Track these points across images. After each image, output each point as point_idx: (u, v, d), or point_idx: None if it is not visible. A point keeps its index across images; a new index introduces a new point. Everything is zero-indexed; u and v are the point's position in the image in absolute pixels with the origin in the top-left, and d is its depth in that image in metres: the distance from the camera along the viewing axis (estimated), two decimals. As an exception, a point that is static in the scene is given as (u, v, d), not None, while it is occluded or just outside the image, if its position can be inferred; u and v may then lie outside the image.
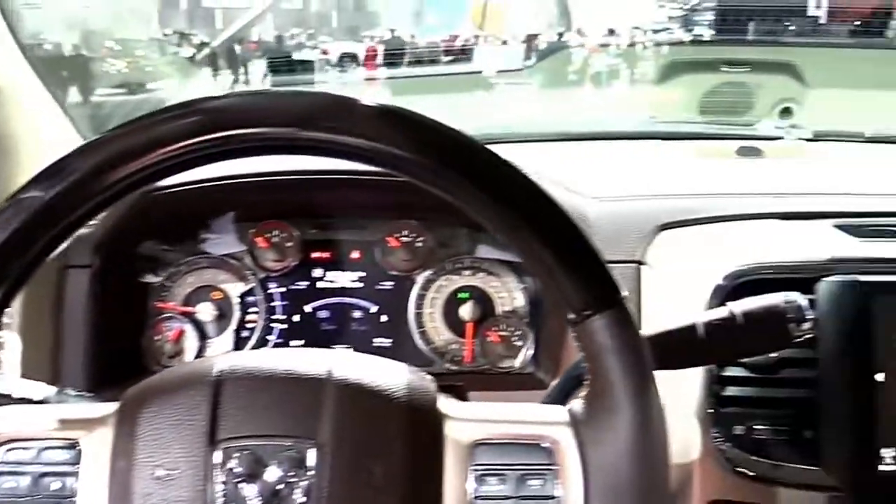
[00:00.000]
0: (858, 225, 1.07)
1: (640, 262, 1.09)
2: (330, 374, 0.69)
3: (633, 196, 1.13)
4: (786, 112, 1.66)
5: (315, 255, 1.29)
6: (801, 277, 0.99)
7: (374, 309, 1.28)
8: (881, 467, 0.96)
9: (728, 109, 1.79)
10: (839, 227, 1.06)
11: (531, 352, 1.23)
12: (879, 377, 0.96)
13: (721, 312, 0.85)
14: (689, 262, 1.04)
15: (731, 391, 0.99)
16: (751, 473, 0.98)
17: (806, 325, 0.84)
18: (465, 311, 1.24)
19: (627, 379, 0.68)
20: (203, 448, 0.64)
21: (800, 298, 0.85)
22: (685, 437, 1.00)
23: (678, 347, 0.85)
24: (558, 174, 1.17)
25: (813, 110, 1.70)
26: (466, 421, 0.72)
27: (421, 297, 1.27)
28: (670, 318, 0.88)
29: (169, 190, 1.16)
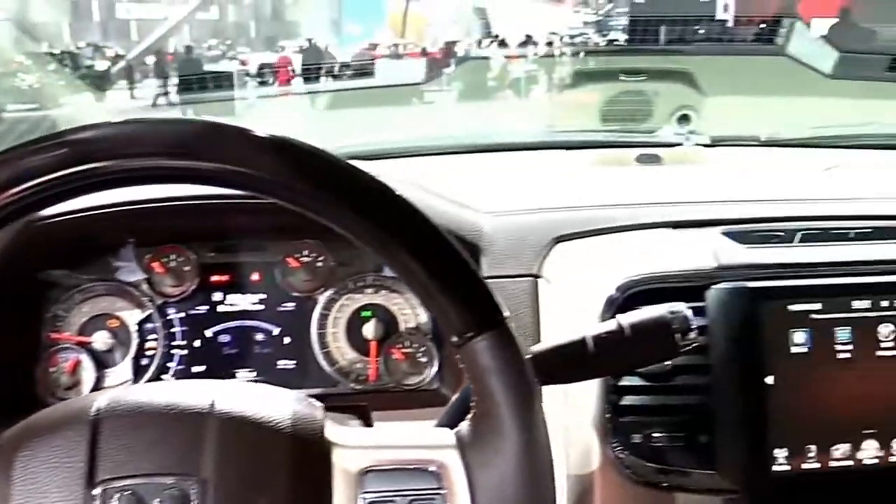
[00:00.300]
0: (745, 231, 1.10)
1: (536, 276, 1.10)
2: (212, 406, 0.68)
3: (528, 210, 1.14)
4: (684, 119, 1.69)
5: (214, 278, 1.26)
6: (691, 286, 1.01)
7: (276, 331, 1.26)
8: (774, 468, 0.99)
9: (628, 117, 1.83)
10: (727, 234, 1.09)
11: (436, 368, 1.23)
12: (769, 380, 0.98)
13: (609, 325, 0.86)
14: (584, 274, 1.05)
15: (627, 400, 1.00)
16: (649, 481, 0.99)
17: (692, 335, 0.86)
18: (369, 329, 1.23)
19: (511, 400, 0.68)
20: (81, 490, 0.62)
21: (684, 309, 0.86)
22: (584, 447, 1.01)
23: (568, 362, 0.86)
24: (453, 189, 1.17)
25: (711, 116, 1.74)
26: (354, 448, 0.71)
27: (323, 318, 1.25)
28: (562, 332, 0.89)
29: (61, 217, 1.13)
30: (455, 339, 0.69)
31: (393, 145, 1.61)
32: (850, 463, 1.00)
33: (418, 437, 0.74)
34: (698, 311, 1.00)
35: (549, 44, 10.84)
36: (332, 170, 0.65)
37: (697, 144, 1.65)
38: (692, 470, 1.00)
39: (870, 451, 1.01)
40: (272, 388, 0.75)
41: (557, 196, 1.18)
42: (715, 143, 1.67)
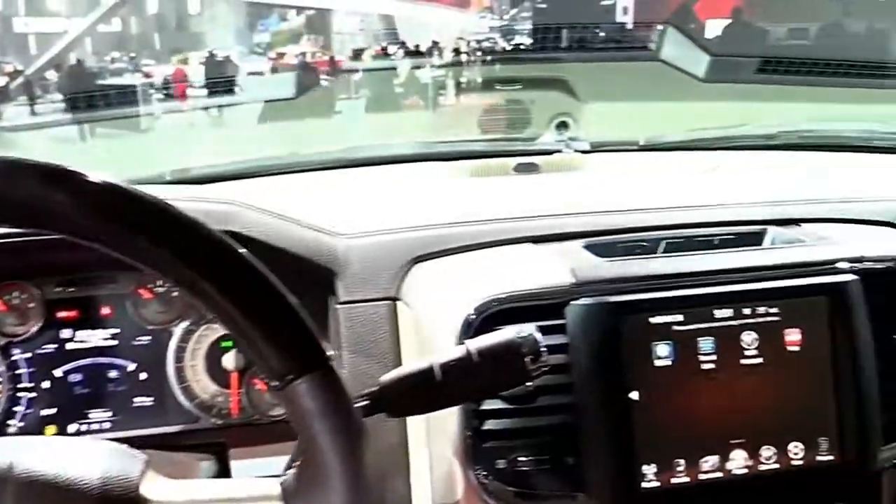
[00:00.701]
0: (608, 244, 1.08)
1: (395, 299, 1.05)
2: (11, 467, 0.62)
3: (385, 230, 1.09)
4: (562, 126, 1.68)
5: (61, 314, 1.18)
6: (550, 303, 0.98)
7: (131, 367, 1.19)
8: (644, 484, 0.96)
9: (507, 126, 1.80)
10: (589, 246, 1.06)
11: None
12: (634, 395, 0.96)
13: (457, 352, 0.83)
14: (443, 295, 1.01)
15: (490, 424, 0.96)
16: (516, 510, 0.96)
17: (543, 358, 0.82)
18: (228, 360, 1.17)
19: (336, 446, 0.64)
20: None
21: (534, 331, 0.83)
22: (448, 474, 0.97)
23: (415, 392, 0.82)
24: (310, 210, 1.12)
25: (590, 123, 1.72)
26: None
27: (181, 350, 1.19)
28: (413, 360, 0.85)
29: None
30: (274, 382, 0.64)
31: (261, 163, 1.55)
32: (720, 474, 0.99)
33: (242, 489, 0.68)
34: (559, 329, 0.98)
35: (456, 50, 10.84)
36: (147, 208, 0.60)
37: (577, 151, 1.63)
38: (559, 493, 0.97)
39: (738, 462, 0.99)
40: (84, 443, 0.69)
41: (419, 213, 1.13)
42: (594, 148, 1.65)
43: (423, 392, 0.83)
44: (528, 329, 0.83)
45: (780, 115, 2.01)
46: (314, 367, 0.64)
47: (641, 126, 1.79)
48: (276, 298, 0.64)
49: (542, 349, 0.82)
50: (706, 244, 1.10)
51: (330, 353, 0.65)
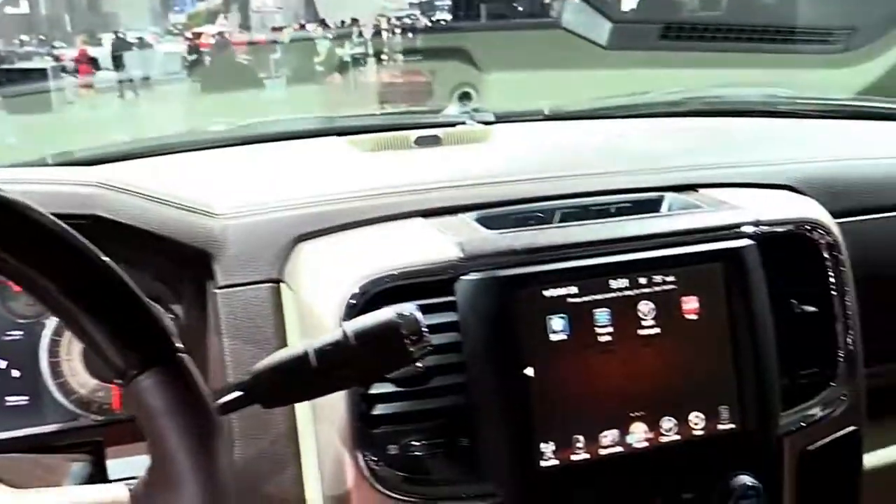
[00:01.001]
0: (501, 215, 1.04)
1: (277, 281, 0.99)
2: None
3: (266, 208, 1.02)
4: (465, 97, 1.63)
5: None
6: (439, 279, 0.93)
7: (2, 364, 1.10)
8: (542, 463, 0.93)
9: (407, 98, 1.75)
10: (480, 219, 1.02)
11: None
12: (529, 372, 0.92)
13: (333, 336, 0.78)
14: (327, 275, 0.95)
15: (379, 409, 0.92)
16: (409, 495, 0.91)
17: (425, 339, 0.78)
18: (107, 352, 1.10)
19: (186, 444, 0.58)
20: None
21: (414, 310, 0.78)
22: (337, 463, 0.92)
23: (290, 380, 0.77)
24: (189, 190, 1.05)
25: (494, 93, 1.68)
26: None
27: (55, 344, 1.10)
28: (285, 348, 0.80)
29: None
30: (118, 379, 0.58)
31: (152, 143, 1.46)
32: (620, 449, 0.96)
33: (89, 496, 0.63)
34: (449, 307, 0.94)
35: (377, 26, 10.73)
36: None
37: (480, 122, 1.58)
38: (455, 477, 0.93)
39: (639, 435, 0.97)
40: None
41: (305, 190, 1.07)
42: (499, 119, 1.61)
43: (298, 380, 0.77)
44: (409, 308, 0.78)
45: (686, 81, 1.99)
46: (159, 360, 0.58)
47: (547, 96, 1.75)
48: (113, 287, 0.58)
49: (424, 329, 0.78)
50: (603, 213, 1.07)
51: (178, 344, 0.60)
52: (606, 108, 1.69)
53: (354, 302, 0.90)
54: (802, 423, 1.05)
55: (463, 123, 1.57)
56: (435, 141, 1.46)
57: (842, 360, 1.07)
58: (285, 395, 0.78)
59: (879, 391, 1.20)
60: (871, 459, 1.28)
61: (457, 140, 1.47)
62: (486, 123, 1.59)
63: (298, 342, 0.79)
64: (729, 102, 1.76)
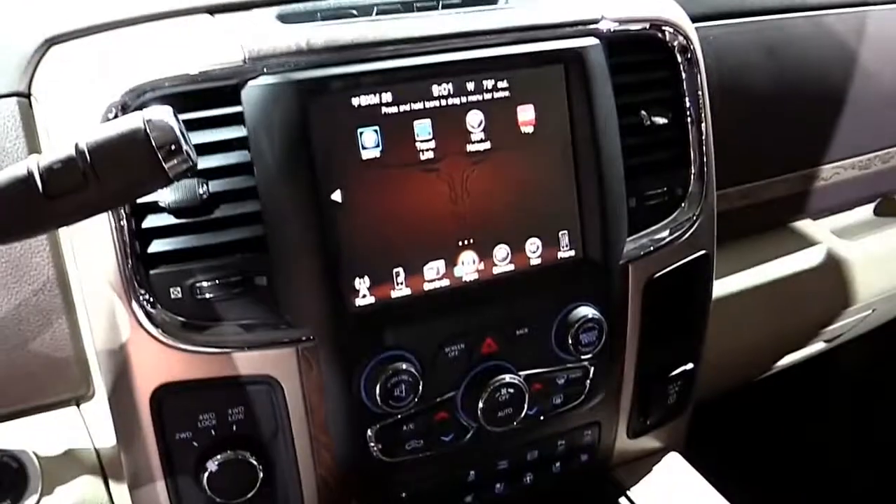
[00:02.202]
0: (306, 11, 0.86)
1: (25, 95, 0.80)
2: None
3: (6, 4, 0.82)
4: None
5: None
6: (221, 86, 0.76)
7: None
8: (357, 301, 0.81)
9: None
10: (281, 17, 0.84)
11: None
12: (336, 196, 0.78)
13: (65, 150, 0.60)
14: (83, 85, 0.76)
15: (157, 246, 0.76)
16: (198, 343, 0.78)
17: (184, 151, 0.62)
18: None
19: None
20: None
21: (168, 115, 0.62)
22: (109, 311, 0.77)
23: (13, 209, 0.60)
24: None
25: None
26: None
27: None
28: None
29: None
30: None
31: None
32: (447, 282, 0.84)
33: None
34: (236, 119, 0.77)
35: None
36: None
37: None
38: (254, 322, 0.79)
39: (468, 266, 0.85)
40: None
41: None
42: None
43: (22, 208, 0.61)
44: (161, 112, 0.62)
45: None
46: None
47: None
48: None
49: (182, 137, 0.61)
50: (429, 8, 0.90)
51: None
52: None
53: (114, 117, 0.72)
54: (650, 249, 0.95)
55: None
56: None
57: (694, 177, 0.97)
58: (8, 229, 0.62)
59: (730, 214, 1.13)
60: (722, 287, 1.23)
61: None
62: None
63: (22, 161, 0.61)
64: None
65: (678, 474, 1.10)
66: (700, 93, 0.96)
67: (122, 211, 0.74)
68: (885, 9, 1.33)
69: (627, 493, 1.06)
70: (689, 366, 1.05)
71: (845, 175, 1.33)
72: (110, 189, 0.61)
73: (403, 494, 0.94)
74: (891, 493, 1.87)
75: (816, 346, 1.57)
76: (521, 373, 0.89)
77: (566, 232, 0.88)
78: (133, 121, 0.61)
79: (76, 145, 0.60)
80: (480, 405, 0.87)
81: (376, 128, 0.79)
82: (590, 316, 0.89)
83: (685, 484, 1.08)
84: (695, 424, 1.15)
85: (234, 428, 0.82)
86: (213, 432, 0.81)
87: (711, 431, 1.40)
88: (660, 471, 1.09)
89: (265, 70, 0.76)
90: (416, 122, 0.80)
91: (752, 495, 1.09)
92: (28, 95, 0.80)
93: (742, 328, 1.33)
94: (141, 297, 0.75)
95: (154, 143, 0.60)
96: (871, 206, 1.53)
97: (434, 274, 0.83)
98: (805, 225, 1.41)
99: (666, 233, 0.96)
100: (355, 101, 0.78)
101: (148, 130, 0.60)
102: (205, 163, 0.76)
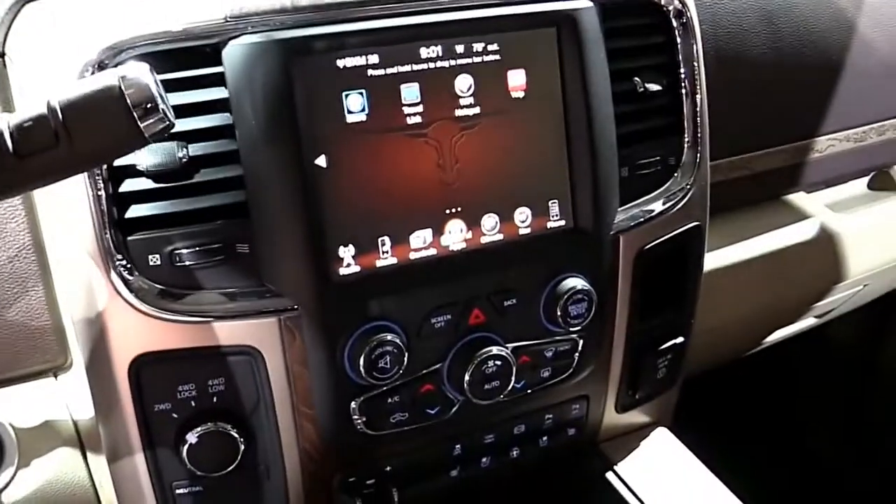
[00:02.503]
0: None
1: (0, 55, 0.78)
2: None
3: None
4: None
5: None
6: (201, 45, 0.74)
7: None
8: (341, 270, 0.78)
9: None
10: None
11: None
12: (320, 161, 0.76)
13: (36, 109, 0.58)
14: (57, 44, 0.73)
15: (135, 211, 0.74)
16: (176, 315, 0.75)
17: (161, 110, 0.59)
18: None
19: None
20: None
21: (144, 72, 0.59)
22: (85, 280, 0.74)
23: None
24: None
25: None
26: None
27: None
28: None
29: None
30: None
31: None
32: (433, 251, 0.82)
33: None
34: (217, 80, 0.75)
35: None
36: None
37: None
38: (232, 289, 0.77)
39: (455, 235, 0.83)
40: None
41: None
42: None
43: (-7, 169, 0.58)
44: (136, 69, 0.59)
45: None
46: None
47: None
48: None
49: (158, 94, 0.59)
50: None
51: None
52: None
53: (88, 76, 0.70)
54: (641, 219, 0.93)
55: None
56: None
57: (687, 146, 0.95)
58: None
59: (721, 186, 1.11)
60: (712, 260, 1.21)
61: None
62: None
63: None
64: None
65: (666, 449, 1.09)
66: (695, 59, 0.93)
67: (99, 174, 0.71)
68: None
69: (615, 467, 1.05)
70: (679, 339, 1.03)
71: (840, 147, 1.31)
72: (83, 149, 0.58)
73: (388, 468, 0.92)
74: (878, 469, 1.88)
75: (807, 322, 1.56)
76: (509, 345, 0.87)
77: (556, 201, 0.86)
78: (107, 78, 0.58)
79: (48, 102, 0.58)
80: (467, 377, 0.85)
81: (362, 91, 0.76)
82: (579, 287, 0.87)
83: (673, 459, 1.07)
84: (683, 399, 1.14)
85: (215, 399, 0.80)
86: (192, 404, 0.79)
87: (700, 407, 1.39)
88: (648, 446, 1.08)
89: (248, 29, 0.73)
90: (403, 86, 0.78)
91: (740, 471, 1.08)
92: (2, 55, 0.78)
93: (732, 302, 1.32)
94: (118, 264, 0.73)
95: (129, 101, 0.58)
96: (866, 180, 1.52)
97: (420, 243, 0.81)
98: (798, 198, 1.39)
99: (658, 203, 0.94)
100: (340, 63, 0.75)
101: (123, 87, 0.58)
102: (185, 125, 0.73)
